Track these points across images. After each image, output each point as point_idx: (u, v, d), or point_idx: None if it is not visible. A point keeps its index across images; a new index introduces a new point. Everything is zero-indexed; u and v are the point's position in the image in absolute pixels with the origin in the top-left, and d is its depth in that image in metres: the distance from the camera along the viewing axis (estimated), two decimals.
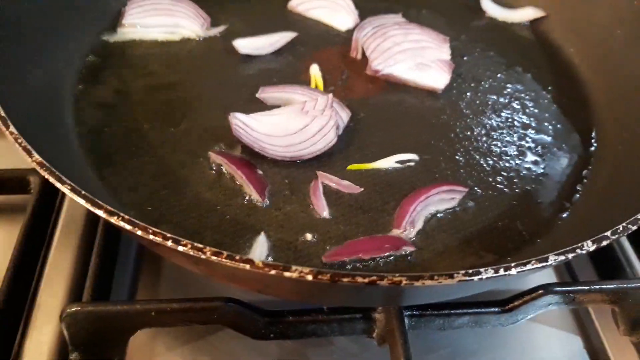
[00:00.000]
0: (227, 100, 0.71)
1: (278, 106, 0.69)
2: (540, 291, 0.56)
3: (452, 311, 0.56)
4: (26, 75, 0.61)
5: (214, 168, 0.63)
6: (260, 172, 0.62)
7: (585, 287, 0.57)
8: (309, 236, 0.57)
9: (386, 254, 0.55)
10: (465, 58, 0.81)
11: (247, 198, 0.60)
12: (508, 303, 0.56)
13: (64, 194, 0.70)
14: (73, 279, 0.61)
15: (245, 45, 0.77)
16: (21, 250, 0.61)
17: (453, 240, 0.58)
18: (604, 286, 0.57)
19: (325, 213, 0.59)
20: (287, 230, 0.58)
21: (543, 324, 0.63)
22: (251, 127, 0.64)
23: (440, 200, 0.60)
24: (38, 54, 0.65)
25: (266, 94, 0.70)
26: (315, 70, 0.75)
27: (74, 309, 0.52)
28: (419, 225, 0.58)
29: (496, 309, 0.56)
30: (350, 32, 0.82)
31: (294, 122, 0.64)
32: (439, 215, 0.60)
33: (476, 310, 0.56)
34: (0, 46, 0.58)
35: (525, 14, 0.90)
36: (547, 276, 0.66)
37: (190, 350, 0.58)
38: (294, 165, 0.64)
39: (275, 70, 0.76)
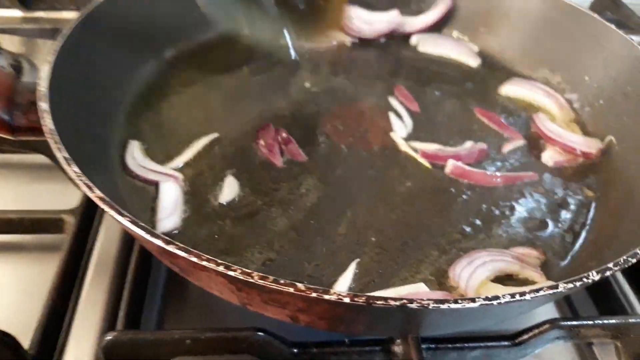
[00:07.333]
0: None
1: None
2: (547, 325, 0.60)
3: (466, 344, 0.60)
4: (80, 124, 0.66)
5: None
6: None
7: (590, 322, 0.61)
8: None
9: None
10: None
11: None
12: (517, 337, 0.61)
13: (96, 233, 0.74)
14: (106, 312, 0.64)
15: None
16: (58, 285, 0.65)
17: None
18: (606, 321, 0.62)
19: None
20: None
21: None
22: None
23: None
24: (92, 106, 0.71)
25: None
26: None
27: (113, 336, 0.56)
28: None
29: (506, 343, 0.61)
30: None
31: None
32: None
33: (487, 343, 0.60)
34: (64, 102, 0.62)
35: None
36: (552, 313, 0.70)
37: None
38: None
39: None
